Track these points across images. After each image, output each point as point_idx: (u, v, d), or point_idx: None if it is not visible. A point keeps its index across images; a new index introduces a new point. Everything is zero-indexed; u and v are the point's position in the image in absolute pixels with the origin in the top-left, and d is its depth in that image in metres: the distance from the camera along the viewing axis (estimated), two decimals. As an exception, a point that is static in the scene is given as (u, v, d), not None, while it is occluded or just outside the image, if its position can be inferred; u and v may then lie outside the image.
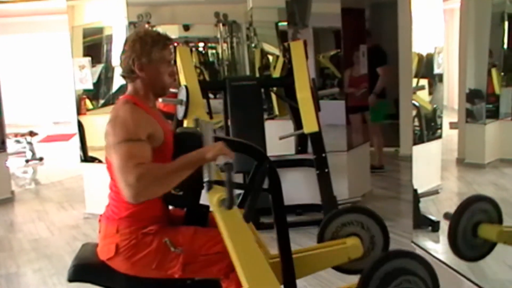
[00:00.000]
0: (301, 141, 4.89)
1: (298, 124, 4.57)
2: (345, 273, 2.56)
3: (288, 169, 4.72)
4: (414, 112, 3.76)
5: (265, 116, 4.90)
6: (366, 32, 5.86)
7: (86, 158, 5.28)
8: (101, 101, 5.33)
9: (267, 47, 5.44)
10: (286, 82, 4.74)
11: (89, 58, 5.20)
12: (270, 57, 5.51)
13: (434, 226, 3.61)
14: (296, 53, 4.58)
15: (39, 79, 12.99)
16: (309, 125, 4.32)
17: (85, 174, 5.33)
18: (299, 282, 2.24)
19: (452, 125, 3.48)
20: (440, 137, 3.61)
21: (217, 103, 5.41)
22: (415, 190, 3.55)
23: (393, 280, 2.11)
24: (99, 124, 5.11)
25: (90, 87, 5.22)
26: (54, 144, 10.03)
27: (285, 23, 5.20)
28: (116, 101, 2.14)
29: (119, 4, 4.95)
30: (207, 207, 2.21)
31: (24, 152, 8.31)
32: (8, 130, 6.61)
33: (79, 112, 5.33)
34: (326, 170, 4.41)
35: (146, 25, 5.11)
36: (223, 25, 5.58)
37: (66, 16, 5.32)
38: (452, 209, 2.86)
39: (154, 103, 2.19)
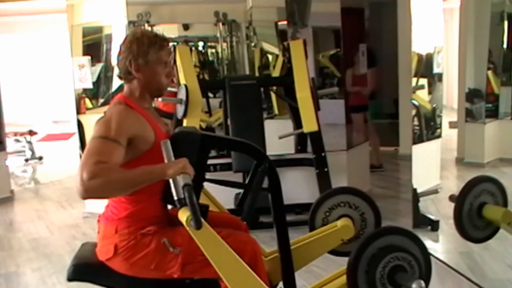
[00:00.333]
0: (301, 140, 4.89)
1: (297, 124, 4.57)
2: (341, 256, 2.48)
3: (288, 168, 4.73)
4: (413, 112, 3.76)
5: (265, 116, 4.90)
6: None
7: (86, 158, 5.27)
8: (101, 100, 5.33)
9: (267, 46, 5.44)
10: (286, 82, 4.74)
11: (88, 57, 5.20)
12: (270, 57, 5.51)
13: (434, 225, 3.61)
14: (295, 52, 4.58)
15: (39, 78, 12.99)
16: (309, 125, 4.32)
17: (84, 174, 5.31)
18: (298, 282, 2.24)
19: (452, 125, 3.49)
20: (439, 136, 3.61)
21: (216, 102, 5.43)
22: (415, 190, 3.56)
23: (383, 257, 2.09)
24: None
25: (90, 86, 5.22)
26: (54, 143, 10.02)
27: (285, 22, 5.20)
28: (110, 101, 2.14)
29: (119, 3, 4.94)
30: (206, 206, 2.21)
31: (24, 151, 8.32)
32: (7, 129, 6.62)
33: (78, 111, 5.34)
34: (326, 169, 4.41)
35: (146, 24, 5.11)
36: (223, 24, 5.58)
37: (65, 15, 5.32)
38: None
39: (151, 103, 2.18)
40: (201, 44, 5.92)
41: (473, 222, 2.71)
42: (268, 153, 2.37)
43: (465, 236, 2.79)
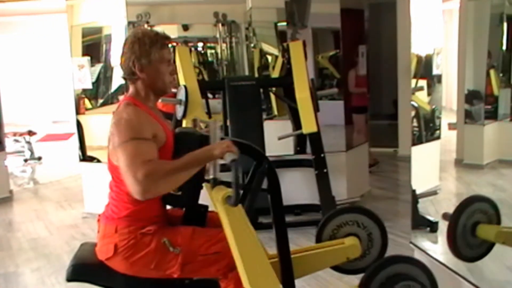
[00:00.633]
0: (300, 141, 4.89)
1: (297, 124, 4.57)
2: (344, 273, 2.57)
3: (287, 169, 4.73)
4: (413, 113, 3.76)
5: (264, 116, 4.90)
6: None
7: (85, 158, 5.28)
8: (100, 101, 5.33)
9: (266, 47, 5.44)
10: (285, 82, 4.74)
11: (88, 58, 5.20)
12: (269, 57, 5.51)
13: (433, 226, 3.60)
14: (295, 53, 4.58)
15: (38, 78, 12.99)
16: (308, 125, 4.32)
17: (83, 174, 5.33)
18: (298, 282, 2.24)
19: (451, 126, 3.48)
20: (438, 137, 3.60)
21: (216, 103, 5.42)
22: (414, 191, 3.55)
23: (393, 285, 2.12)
24: (97, 123, 5.12)
25: (89, 86, 5.22)
26: (53, 143, 10.02)
27: (284, 23, 5.20)
28: (118, 104, 2.14)
29: (118, 4, 4.95)
30: (206, 207, 2.21)
31: (23, 151, 8.32)
32: (6, 129, 6.62)
33: (78, 112, 5.33)
34: (325, 170, 4.42)
35: (145, 25, 5.11)
36: (222, 25, 5.58)
37: (65, 15, 5.32)
38: (450, 210, 2.86)
39: (155, 103, 2.19)
40: (200, 44, 5.92)
41: (467, 241, 2.75)
42: (268, 154, 2.38)
43: (459, 256, 2.82)
